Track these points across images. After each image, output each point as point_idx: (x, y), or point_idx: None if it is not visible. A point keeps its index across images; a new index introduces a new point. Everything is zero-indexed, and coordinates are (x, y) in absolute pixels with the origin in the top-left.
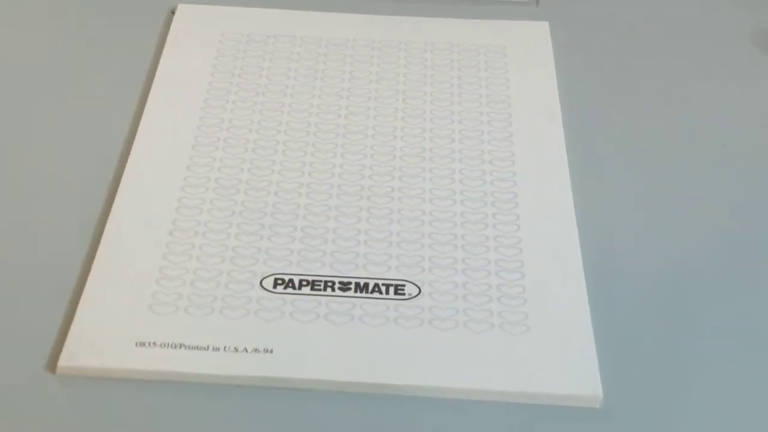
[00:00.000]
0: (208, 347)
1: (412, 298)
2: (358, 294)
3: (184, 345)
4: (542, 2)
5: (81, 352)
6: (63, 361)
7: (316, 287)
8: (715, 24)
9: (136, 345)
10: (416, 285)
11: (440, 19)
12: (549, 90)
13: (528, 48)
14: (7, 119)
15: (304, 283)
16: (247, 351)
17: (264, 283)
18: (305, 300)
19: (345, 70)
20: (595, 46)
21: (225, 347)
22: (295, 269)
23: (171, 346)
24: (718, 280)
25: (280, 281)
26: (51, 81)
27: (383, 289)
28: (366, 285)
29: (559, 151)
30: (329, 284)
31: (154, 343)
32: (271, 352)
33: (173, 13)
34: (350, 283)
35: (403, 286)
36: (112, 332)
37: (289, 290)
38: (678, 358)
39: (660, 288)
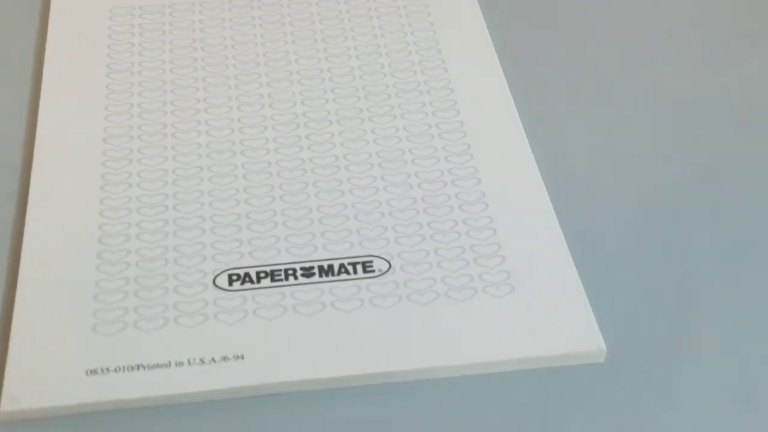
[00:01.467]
0: (170, 363)
1: (383, 274)
2: (324, 278)
3: (141, 365)
4: None
5: (24, 393)
6: (5, 406)
7: (276, 278)
8: None
9: (87, 374)
10: (385, 259)
11: None
12: (481, 37)
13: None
14: None
15: (263, 275)
16: (215, 360)
17: (218, 281)
18: (267, 294)
19: (256, 34)
20: None
21: (189, 360)
22: (248, 261)
23: (127, 369)
24: (694, 208)
25: (235, 277)
26: None
27: (350, 268)
28: (330, 267)
29: (504, 95)
30: (290, 272)
31: (107, 369)
32: (242, 357)
33: None
34: (313, 267)
35: (371, 262)
36: (57, 363)
37: (248, 285)
38: (672, 296)
39: (638, 224)
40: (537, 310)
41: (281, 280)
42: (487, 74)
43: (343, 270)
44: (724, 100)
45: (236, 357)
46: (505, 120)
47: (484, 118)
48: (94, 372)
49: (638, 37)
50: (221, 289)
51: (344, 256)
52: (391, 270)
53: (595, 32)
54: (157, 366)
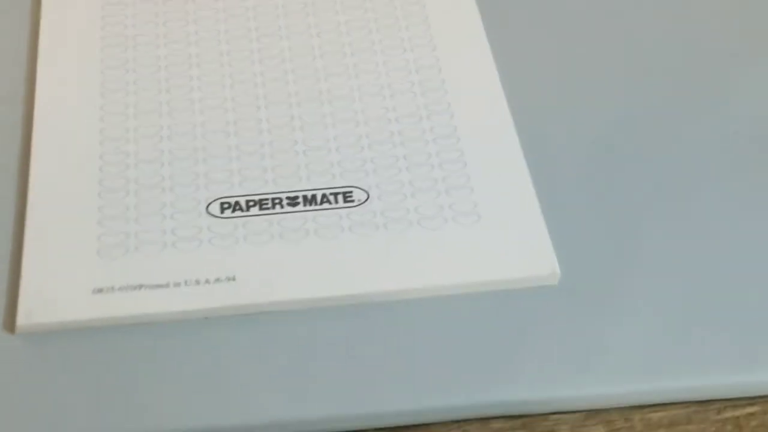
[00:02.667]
0: (168, 284)
1: (361, 204)
2: (308, 207)
3: (143, 285)
4: None
5: (37, 309)
6: (21, 320)
7: (264, 206)
8: None
9: (93, 292)
10: (364, 190)
11: None
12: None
13: None
14: None
15: (251, 203)
16: (209, 282)
17: (210, 208)
18: (256, 221)
19: (250, 26)
20: None
21: (186, 281)
22: (238, 190)
23: (130, 288)
24: (645, 148)
25: (226, 205)
26: None
27: (331, 198)
28: (314, 197)
29: (480, 37)
30: (276, 201)
31: (112, 288)
32: (234, 279)
33: None
34: (297, 197)
35: (351, 192)
36: (66, 283)
37: (238, 213)
38: (622, 226)
39: (595, 162)
40: (500, 237)
41: (269, 208)
42: (465, 16)
43: (325, 200)
44: (682, 52)
45: (228, 279)
46: (479, 62)
47: (459, 58)
48: (99, 291)
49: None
50: (213, 216)
51: (327, 186)
52: (369, 200)
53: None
54: (157, 286)
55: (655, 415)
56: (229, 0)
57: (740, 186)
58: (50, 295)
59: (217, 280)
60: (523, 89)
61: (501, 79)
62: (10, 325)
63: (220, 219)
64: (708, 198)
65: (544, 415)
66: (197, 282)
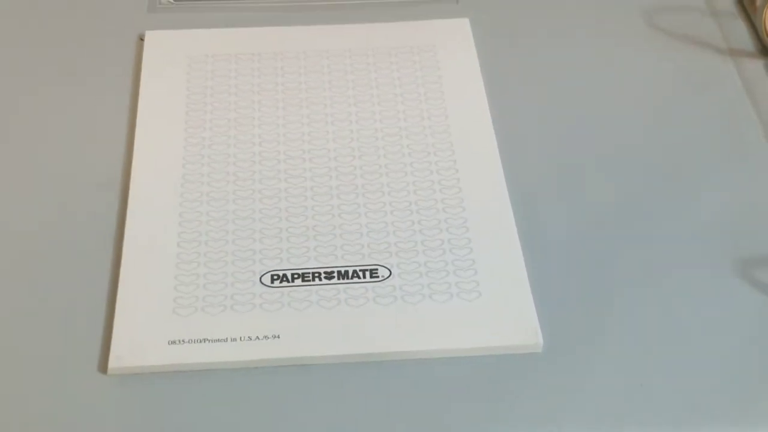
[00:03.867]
0: (227, 339)
1: (384, 279)
2: (341, 281)
3: (207, 339)
4: (461, 0)
5: (125, 355)
6: (112, 363)
7: (306, 279)
8: (608, 7)
9: (169, 343)
10: (387, 268)
11: (377, 24)
12: (475, 81)
13: (453, 45)
14: (12, 150)
15: (296, 276)
16: (258, 339)
17: (263, 279)
18: (299, 291)
19: (301, 81)
20: (510, 37)
21: (240, 337)
22: (286, 265)
23: (197, 342)
24: (627, 231)
25: (276, 276)
26: (38, 109)
27: (360, 274)
28: (346, 272)
29: (489, 137)
30: (316, 275)
31: (183, 341)
32: (278, 337)
33: (142, 39)
34: (333, 272)
35: (377, 269)
36: (148, 335)
37: (285, 284)
38: (602, 303)
39: (580, 243)
40: (495, 312)
41: (309, 280)
42: (479, 126)
43: (355, 275)
44: (664, 151)
45: (274, 336)
46: (487, 164)
47: (472, 161)
48: (173, 342)
49: (607, 90)
50: (265, 285)
51: (357, 264)
52: (391, 276)
53: (566, 76)
54: (218, 340)
55: None
56: (288, 109)
57: (704, 271)
58: (136, 344)
59: (265, 337)
60: (522, 182)
61: (504, 173)
62: (104, 367)
63: (270, 288)
64: (676, 280)
65: None
66: (249, 338)
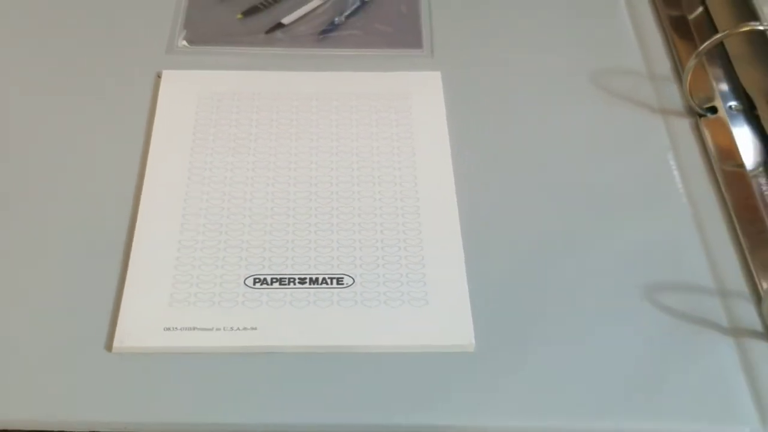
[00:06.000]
0: (212, 328)
1: (349, 286)
2: (312, 285)
3: (196, 328)
4: (435, 54)
5: (127, 337)
6: (116, 344)
7: (283, 282)
8: (561, 69)
9: (164, 330)
10: (352, 277)
11: (361, 73)
12: (441, 125)
13: (425, 94)
14: (39, 162)
15: (275, 280)
16: (239, 329)
17: (247, 281)
18: (276, 292)
19: (292, 118)
20: (474, 90)
21: (223, 328)
22: (267, 271)
23: (187, 329)
24: (554, 258)
25: (258, 280)
26: (66, 133)
27: (329, 281)
28: (317, 279)
29: (448, 174)
30: (292, 280)
31: (176, 328)
32: (256, 329)
33: (159, 77)
34: (306, 278)
35: (343, 278)
36: (147, 322)
37: (265, 286)
38: (530, 315)
39: (515, 265)
40: (438, 317)
41: (286, 284)
42: (440, 164)
43: (324, 281)
44: (588, 196)
45: (252, 328)
46: (445, 198)
47: (431, 192)
48: (168, 329)
49: (559, 144)
50: (248, 287)
51: (327, 272)
52: (354, 284)
53: (523, 127)
54: (205, 329)
55: None
56: (279, 141)
57: (616, 292)
58: (137, 329)
59: (245, 328)
60: (472, 212)
61: (458, 203)
62: (109, 346)
63: (252, 288)
64: (593, 299)
65: None
66: (231, 329)
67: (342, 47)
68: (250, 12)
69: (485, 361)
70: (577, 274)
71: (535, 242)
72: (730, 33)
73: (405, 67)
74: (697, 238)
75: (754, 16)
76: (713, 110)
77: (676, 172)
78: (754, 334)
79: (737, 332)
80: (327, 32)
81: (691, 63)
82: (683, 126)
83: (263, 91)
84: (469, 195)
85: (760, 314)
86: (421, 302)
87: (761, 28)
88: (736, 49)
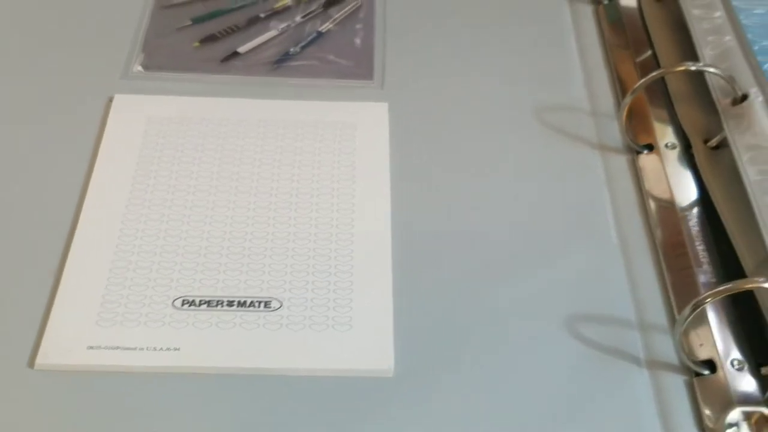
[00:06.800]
0: (135, 348)
1: (276, 309)
2: (240, 308)
3: (119, 347)
4: (386, 86)
5: (51, 354)
6: (39, 360)
7: (211, 304)
8: (510, 101)
9: (88, 348)
10: (280, 301)
11: (311, 101)
12: (383, 154)
13: (370, 124)
14: None
15: (203, 302)
16: (162, 350)
17: (175, 303)
18: (203, 314)
19: (237, 144)
20: (420, 122)
21: (147, 348)
22: (197, 292)
23: (111, 348)
24: (487, 293)
25: (186, 301)
26: (13, 153)
27: (257, 304)
28: (245, 302)
29: (385, 202)
30: (220, 302)
31: (100, 347)
32: (179, 349)
33: (111, 100)
34: (234, 300)
35: (271, 301)
36: (71, 340)
37: (193, 307)
38: (454, 342)
39: (444, 302)
40: (360, 342)
41: (214, 306)
42: (378, 194)
43: (252, 304)
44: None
45: (175, 349)
46: (379, 224)
47: (366, 220)
48: (92, 348)
49: (499, 175)
50: (176, 308)
51: (256, 296)
52: (281, 308)
53: (462, 159)
54: (128, 349)
55: None
56: (222, 167)
57: (539, 323)
58: (61, 346)
59: (168, 349)
60: (405, 241)
61: (392, 234)
62: (32, 362)
63: (179, 310)
64: (516, 329)
65: None
66: (155, 349)
67: (295, 76)
68: (207, 40)
69: (403, 387)
70: (504, 303)
71: (465, 272)
72: (664, 72)
73: (355, 97)
74: (623, 271)
75: (695, 56)
76: (651, 147)
77: (609, 207)
78: (668, 366)
79: (652, 364)
80: (281, 62)
81: (627, 99)
82: (620, 162)
83: (212, 117)
84: (404, 223)
85: (674, 342)
86: (346, 327)
87: (694, 68)
88: (676, 88)
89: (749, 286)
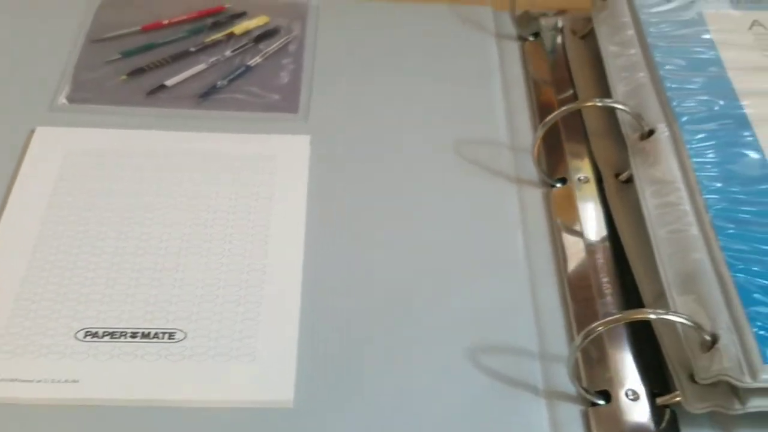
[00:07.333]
0: (33, 380)
1: (180, 341)
2: (143, 339)
3: (17, 379)
4: (310, 119)
5: None
6: None
7: (114, 336)
8: (432, 137)
9: None
10: (184, 332)
11: (234, 134)
12: (301, 187)
13: (291, 156)
14: None
15: (106, 333)
16: (60, 382)
17: (78, 335)
18: (105, 345)
19: (156, 176)
20: (341, 155)
21: (45, 380)
22: (101, 324)
23: (8, 380)
24: (391, 326)
25: (89, 333)
26: None
27: (161, 335)
28: (149, 333)
29: (299, 234)
30: (123, 333)
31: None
32: (77, 381)
33: (33, 132)
34: (138, 332)
35: (175, 332)
36: None
37: (95, 339)
38: (359, 373)
39: (348, 334)
40: (262, 373)
41: (117, 338)
42: (293, 226)
43: (156, 336)
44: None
45: (74, 381)
46: (291, 258)
47: (278, 251)
48: None
49: (418, 211)
50: (78, 340)
51: (160, 327)
52: (185, 339)
53: (378, 191)
54: (26, 381)
55: None
56: (139, 198)
57: (441, 354)
58: None
59: (67, 381)
60: (316, 275)
61: (303, 265)
62: None
63: (81, 342)
64: (418, 360)
65: None
66: (53, 381)
67: (220, 109)
68: (135, 73)
69: (303, 418)
70: (410, 335)
71: (374, 304)
72: (573, 107)
73: (279, 130)
74: (530, 303)
75: (609, 92)
76: (564, 181)
77: (521, 240)
78: (566, 396)
79: (550, 394)
80: (208, 95)
81: (538, 134)
82: (535, 195)
83: (132, 150)
84: (316, 254)
85: (568, 371)
86: (249, 358)
87: (600, 104)
88: (592, 123)
89: (637, 316)
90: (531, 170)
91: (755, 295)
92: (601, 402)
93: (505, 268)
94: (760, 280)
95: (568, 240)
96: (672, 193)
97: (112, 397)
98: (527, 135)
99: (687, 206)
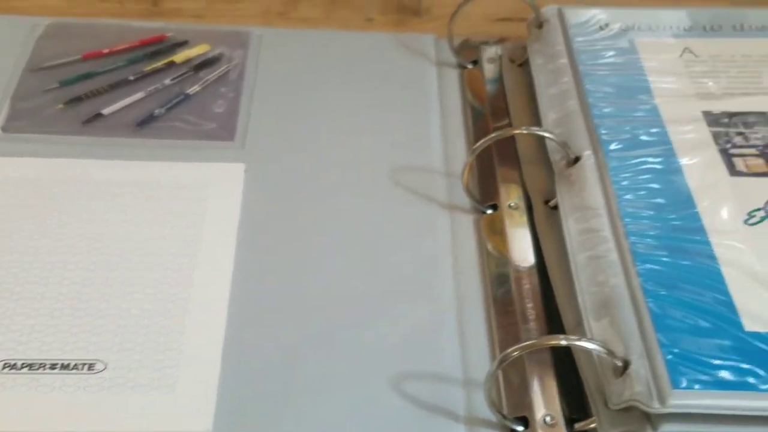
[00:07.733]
0: None
1: (99, 372)
2: (62, 371)
3: None
4: (246, 147)
5: None
6: None
7: (33, 368)
8: (367, 163)
9: None
10: (104, 363)
11: (169, 162)
12: (233, 217)
13: (224, 184)
14: None
15: (25, 365)
16: None
17: None
18: (23, 377)
19: (87, 203)
20: (278, 184)
21: None
22: (20, 356)
23: None
24: (316, 355)
25: (8, 365)
26: None
27: (80, 366)
28: (68, 364)
29: (227, 263)
30: (42, 365)
31: None
32: None
33: None
34: (57, 363)
35: (95, 363)
36: None
37: (14, 371)
38: (282, 403)
39: (272, 369)
40: (181, 403)
41: (36, 369)
42: (221, 255)
43: (75, 367)
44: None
45: None
46: (218, 288)
47: (205, 283)
48: None
49: (355, 237)
50: None
51: (80, 358)
52: (105, 370)
53: (315, 219)
54: None
55: None
56: (68, 226)
57: (366, 385)
58: None
59: None
60: (243, 301)
61: (230, 296)
62: None
63: None
64: (343, 391)
65: None
66: None
67: (157, 138)
68: (72, 102)
69: None
70: (337, 363)
71: (300, 334)
72: (499, 135)
73: (215, 158)
74: (455, 329)
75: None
76: (495, 207)
77: (450, 267)
78: (486, 423)
79: (471, 420)
80: (145, 123)
81: (468, 160)
82: (466, 221)
83: (65, 179)
84: (244, 283)
85: (485, 397)
86: (169, 388)
87: (526, 131)
88: (524, 151)
89: (550, 342)
90: (464, 197)
91: (668, 321)
92: (520, 428)
93: (433, 294)
94: (674, 306)
95: (496, 266)
96: (593, 219)
97: (26, 429)
98: (462, 162)
99: (607, 232)
